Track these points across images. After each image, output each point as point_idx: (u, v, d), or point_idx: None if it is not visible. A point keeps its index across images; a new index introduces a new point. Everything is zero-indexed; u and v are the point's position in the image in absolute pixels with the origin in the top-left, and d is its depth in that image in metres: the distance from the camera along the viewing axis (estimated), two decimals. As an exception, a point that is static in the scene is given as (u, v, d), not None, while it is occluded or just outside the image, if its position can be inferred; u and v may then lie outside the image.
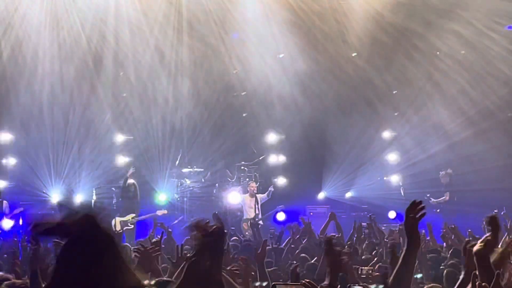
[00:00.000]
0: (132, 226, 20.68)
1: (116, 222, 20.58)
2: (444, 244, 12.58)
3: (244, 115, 24.22)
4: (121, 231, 20.55)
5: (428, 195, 22.24)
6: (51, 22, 22.66)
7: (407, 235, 4.76)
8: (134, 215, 20.84)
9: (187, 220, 21.92)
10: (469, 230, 12.91)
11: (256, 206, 21.30)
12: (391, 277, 4.79)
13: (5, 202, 20.28)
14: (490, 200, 20.30)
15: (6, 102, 22.64)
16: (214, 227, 3.85)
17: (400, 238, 12.93)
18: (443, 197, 22.51)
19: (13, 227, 19.22)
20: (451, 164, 23.10)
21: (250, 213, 21.14)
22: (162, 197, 22.62)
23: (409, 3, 22.91)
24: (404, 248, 4.76)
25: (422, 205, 4.77)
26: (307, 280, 5.26)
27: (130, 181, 21.53)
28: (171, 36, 23.15)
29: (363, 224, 15.04)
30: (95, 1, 22.62)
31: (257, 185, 22.82)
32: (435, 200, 22.40)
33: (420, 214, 4.73)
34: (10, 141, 22.86)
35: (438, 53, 23.36)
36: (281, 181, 23.82)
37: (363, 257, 11.84)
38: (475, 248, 4.76)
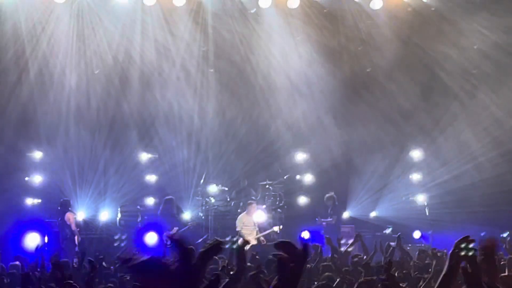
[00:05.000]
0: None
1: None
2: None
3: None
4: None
5: (317, 218, 22.36)
6: (77, 40, 22.84)
7: (448, 266, 4.49)
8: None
9: (210, 239, 21.93)
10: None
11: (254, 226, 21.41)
12: None
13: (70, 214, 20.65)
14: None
15: (33, 120, 22.81)
16: (300, 249, 3.78)
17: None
18: (331, 219, 22.35)
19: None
20: (476, 185, 23.01)
21: (247, 234, 20.92)
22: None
23: (436, 23, 22.98)
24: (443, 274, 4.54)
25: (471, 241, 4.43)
26: None
27: (168, 197, 21.96)
28: (197, 55, 23.28)
29: (391, 244, 14.99)
30: (121, 19, 22.79)
31: (282, 204, 22.91)
32: (323, 220, 22.35)
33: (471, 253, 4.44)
34: (38, 159, 23.03)
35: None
36: (305, 200, 23.85)
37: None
38: None
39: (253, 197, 23.05)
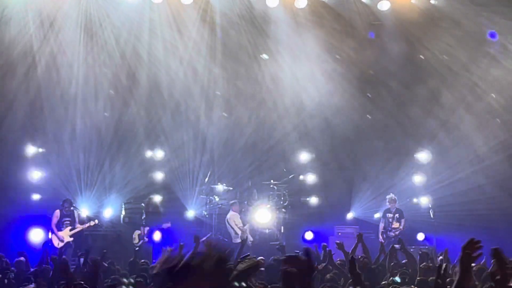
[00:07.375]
0: (147, 239, 20.96)
1: (135, 235, 21.02)
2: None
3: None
4: (138, 243, 20.78)
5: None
6: (85, 37, 22.85)
7: (460, 271, 4.66)
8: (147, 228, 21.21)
9: (215, 237, 21.92)
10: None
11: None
12: None
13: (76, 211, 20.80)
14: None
15: (40, 115, 22.83)
16: (305, 262, 3.73)
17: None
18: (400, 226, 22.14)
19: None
20: (482, 188, 22.95)
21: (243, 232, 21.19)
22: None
23: (444, 25, 22.94)
24: (455, 282, 4.67)
25: (480, 244, 4.62)
26: None
27: (152, 196, 21.98)
28: (205, 54, 23.27)
29: (396, 246, 14.99)
30: (129, 17, 22.81)
31: (286, 204, 22.89)
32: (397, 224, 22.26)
33: (477, 253, 4.61)
34: (44, 155, 23.04)
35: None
36: (310, 200, 23.86)
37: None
38: None
39: (256, 197, 23.04)
